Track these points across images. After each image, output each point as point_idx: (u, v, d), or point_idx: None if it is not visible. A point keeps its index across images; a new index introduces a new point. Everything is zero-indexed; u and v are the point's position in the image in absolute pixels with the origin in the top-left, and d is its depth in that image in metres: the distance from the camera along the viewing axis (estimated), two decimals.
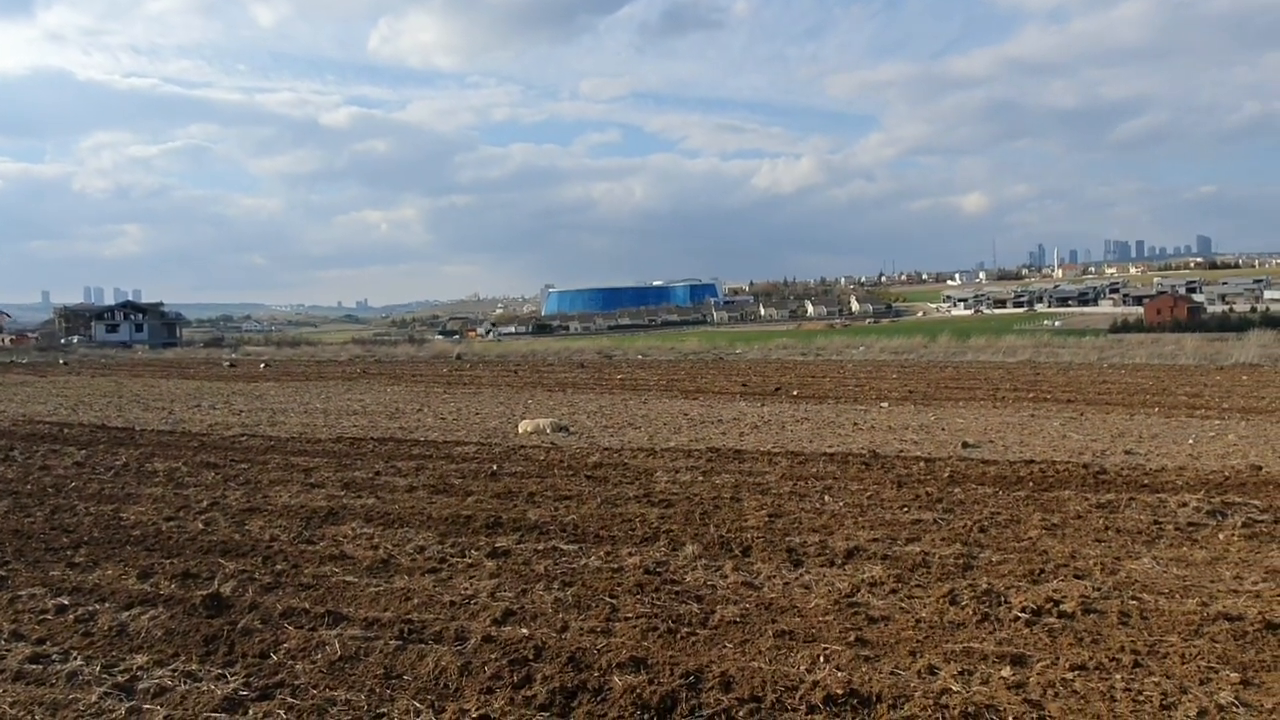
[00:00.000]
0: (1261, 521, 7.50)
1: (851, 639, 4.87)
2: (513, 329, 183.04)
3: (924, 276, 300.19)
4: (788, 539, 7.07)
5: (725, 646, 4.78)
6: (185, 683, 4.43)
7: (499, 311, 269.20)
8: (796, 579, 6.07)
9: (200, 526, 7.72)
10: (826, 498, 8.71)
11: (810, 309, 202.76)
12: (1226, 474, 9.63)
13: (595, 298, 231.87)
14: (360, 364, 39.12)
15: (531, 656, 4.61)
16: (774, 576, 6.12)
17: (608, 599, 5.61)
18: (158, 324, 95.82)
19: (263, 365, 37.60)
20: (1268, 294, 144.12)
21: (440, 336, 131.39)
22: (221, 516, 8.10)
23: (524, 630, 5.02)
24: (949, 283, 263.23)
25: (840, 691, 4.08)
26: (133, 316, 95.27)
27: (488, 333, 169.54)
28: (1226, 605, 5.40)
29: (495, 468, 10.62)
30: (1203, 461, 10.70)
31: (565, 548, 6.93)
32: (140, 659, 4.72)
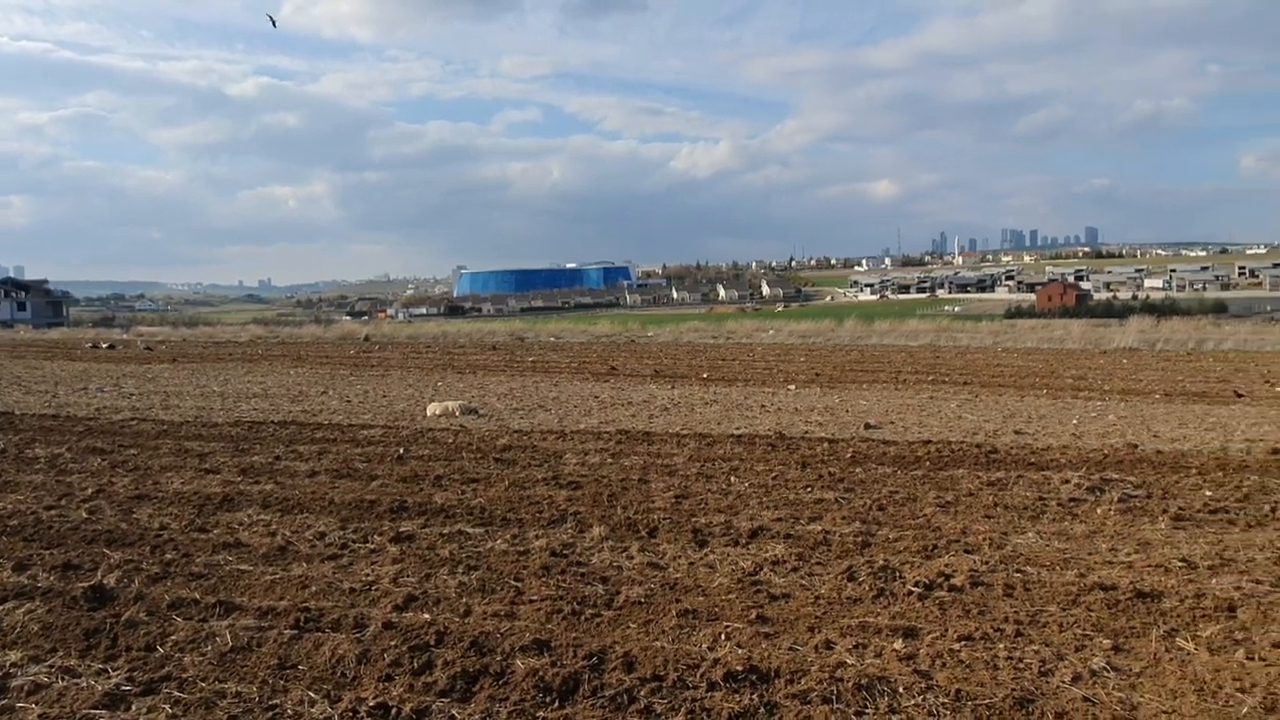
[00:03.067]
0: (1135, 496, 7.96)
1: (753, 616, 4.97)
2: (424, 310, 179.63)
3: (833, 262, 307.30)
4: (694, 520, 7.16)
5: (629, 627, 4.82)
6: (63, 679, 4.22)
7: (410, 292, 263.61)
8: (701, 559, 6.16)
9: (84, 515, 7.34)
10: (733, 479, 8.85)
11: (722, 293, 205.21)
12: (1106, 452, 10.18)
13: (508, 279, 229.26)
14: (262, 345, 37.74)
15: (433, 642, 4.56)
16: (679, 557, 6.19)
17: (513, 582, 5.58)
18: (42, 302, 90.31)
19: (145, 347, 35.87)
20: (1148, 283, 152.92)
21: (348, 318, 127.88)
22: (107, 504, 7.71)
23: (426, 616, 4.94)
24: (857, 268, 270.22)
25: (740, 668, 4.16)
26: (14, 294, 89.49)
27: (398, 314, 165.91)
28: (1102, 576, 5.72)
29: (401, 451, 10.42)
30: (1085, 440, 11.29)
31: (471, 531, 6.86)
32: (14, 655, 4.47)
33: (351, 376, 21.95)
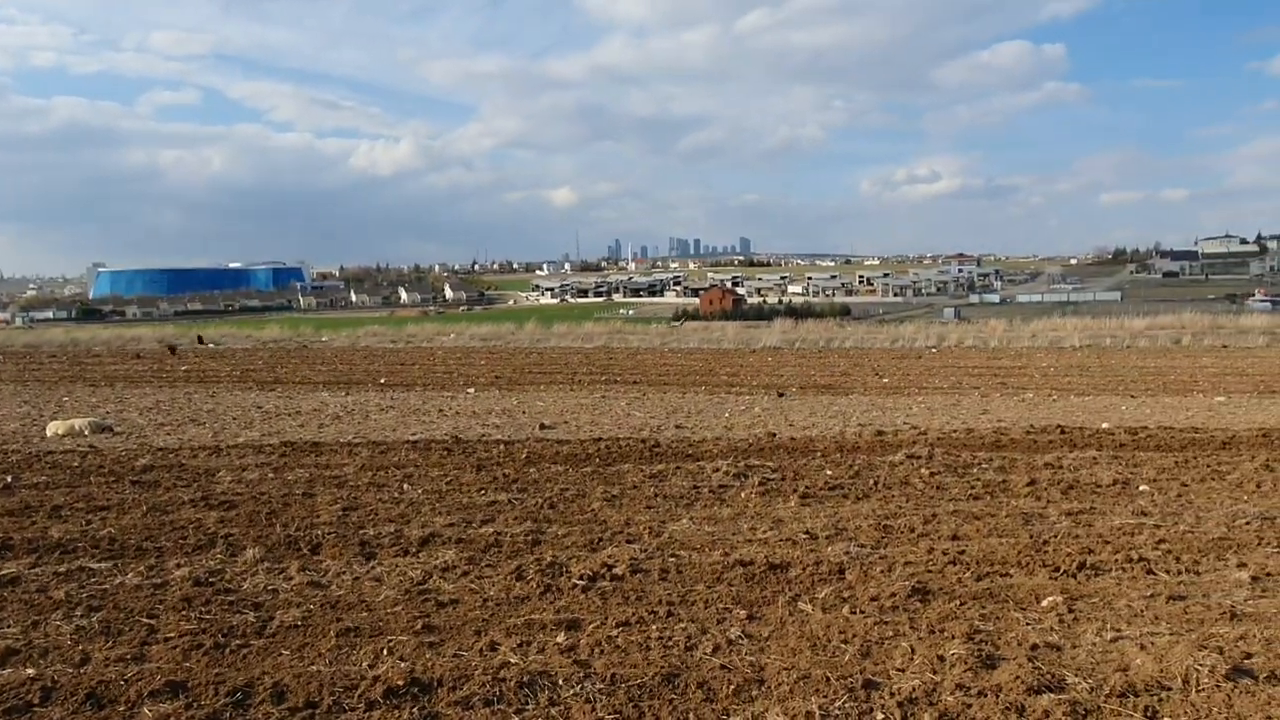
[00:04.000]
0: (773, 480, 8.96)
1: (419, 627, 4.88)
2: (50, 314, 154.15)
3: (515, 266, 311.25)
4: (362, 532, 6.88)
5: (282, 654, 4.50)
6: None
7: (31, 293, 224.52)
8: (368, 572, 5.93)
9: None
10: (406, 486, 8.63)
11: (404, 296, 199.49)
12: (750, 441, 11.36)
13: (159, 279, 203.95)
14: None
15: (37, 700, 3.93)
16: (344, 573, 5.91)
17: (145, 620, 4.98)
18: None
19: None
20: (791, 288, 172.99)
21: None
22: None
23: (29, 671, 4.24)
24: (538, 272, 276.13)
25: (401, 682, 4.06)
26: None
27: (14, 318, 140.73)
28: (743, 553, 6.36)
29: (9, 479, 8.88)
30: (735, 432, 12.51)
31: (96, 566, 6.01)
32: None
33: None
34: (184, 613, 5.09)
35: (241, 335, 43.26)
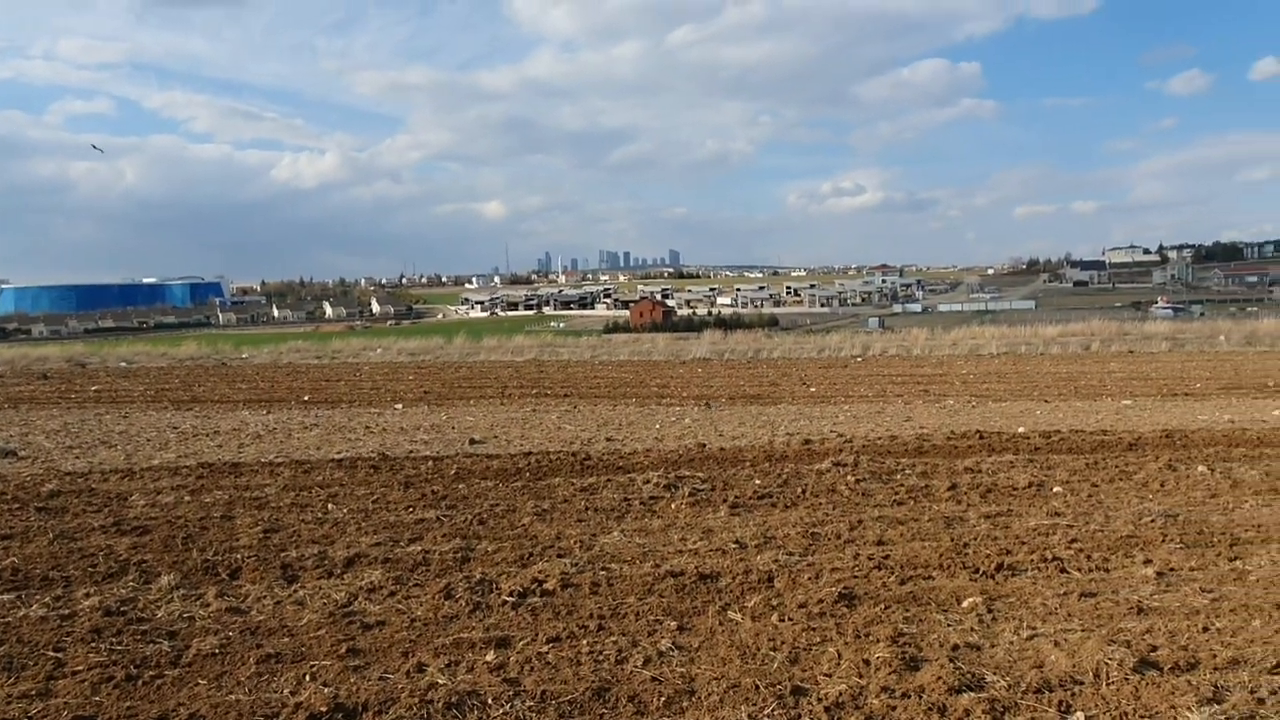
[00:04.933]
0: (703, 490, 9.03)
1: (343, 650, 4.76)
2: None
3: (444, 279, 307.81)
4: (284, 554, 6.69)
5: (198, 684, 4.35)
6: None
7: None
8: (290, 596, 5.77)
9: None
10: (330, 506, 8.43)
11: (329, 310, 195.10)
12: (680, 452, 11.42)
13: (68, 296, 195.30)
14: None
15: None
16: (264, 597, 5.74)
17: (51, 653, 4.75)
18: None
19: None
20: (720, 300, 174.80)
21: None
22: None
23: None
24: (468, 285, 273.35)
25: (325, 709, 3.96)
26: None
27: None
28: (673, 564, 6.39)
29: None
30: (665, 443, 12.56)
31: None
32: None
33: None
34: (93, 645, 4.88)
35: (156, 353, 41.69)
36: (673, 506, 8.33)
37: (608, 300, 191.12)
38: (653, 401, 19.35)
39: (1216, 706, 4.19)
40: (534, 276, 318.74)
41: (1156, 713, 4.15)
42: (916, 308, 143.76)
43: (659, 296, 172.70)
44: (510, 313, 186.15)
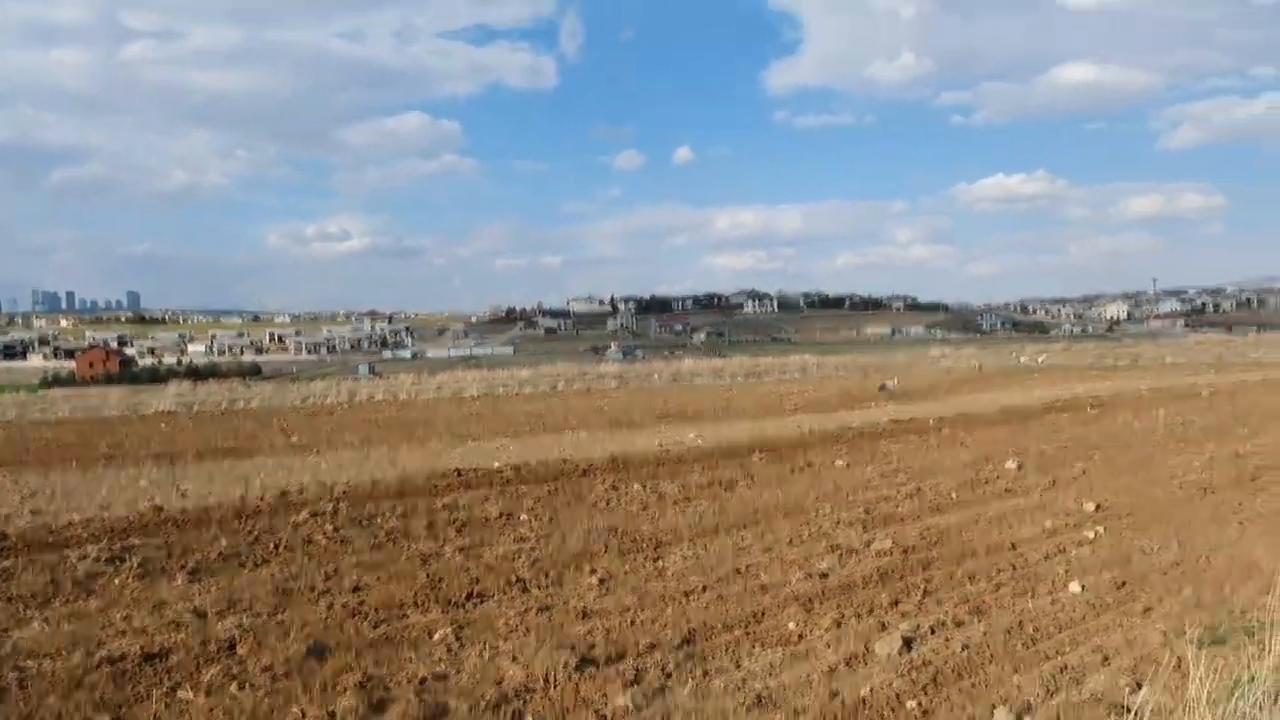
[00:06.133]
0: (156, 558, 8.00)
1: None
2: None
3: None
4: None
5: None
6: None
7: None
8: None
9: None
10: None
11: None
12: (132, 519, 9.99)
13: None
14: None
15: None
16: None
17: None
18: None
19: None
20: (191, 348, 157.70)
21: None
22: None
23: None
24: None
25: None
26: None
27: None
28: (113, 649, 5.55)
29: None
30: (113, 510, 10.86)
31: None
32: None
33: None
34: None
35: None
36: (115, 582, 7.24)
37: (45, 348, 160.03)
38: (100, 464, 16.63)
39: (636, 687, 4.95)
40: None
41: (591, 702, 4.76)
42: (407, 354, 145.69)
43: (114, 344, 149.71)
44: None
